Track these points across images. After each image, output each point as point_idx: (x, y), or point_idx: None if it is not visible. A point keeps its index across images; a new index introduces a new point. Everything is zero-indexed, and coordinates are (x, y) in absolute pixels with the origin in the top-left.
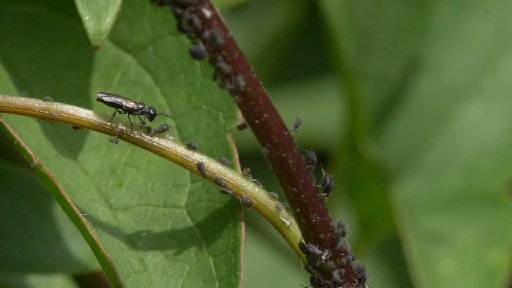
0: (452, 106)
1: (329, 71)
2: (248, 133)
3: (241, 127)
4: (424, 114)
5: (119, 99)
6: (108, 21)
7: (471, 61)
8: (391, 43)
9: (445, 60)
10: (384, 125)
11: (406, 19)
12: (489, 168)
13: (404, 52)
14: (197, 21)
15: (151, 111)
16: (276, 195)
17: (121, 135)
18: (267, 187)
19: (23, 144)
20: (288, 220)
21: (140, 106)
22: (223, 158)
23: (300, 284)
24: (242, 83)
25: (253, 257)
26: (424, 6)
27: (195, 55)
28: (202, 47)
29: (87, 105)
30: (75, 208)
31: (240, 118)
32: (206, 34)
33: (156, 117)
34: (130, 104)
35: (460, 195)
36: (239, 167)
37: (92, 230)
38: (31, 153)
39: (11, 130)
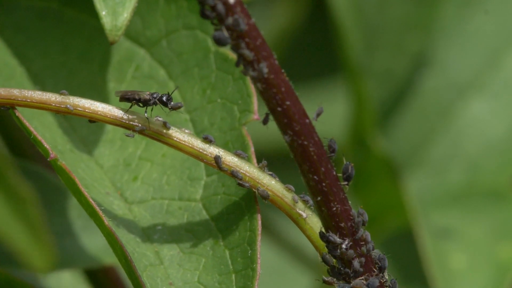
0: (457, 102)
1: (335, 69)
2: (262, 128)
3: (265, 121)
4: (430, 110)
5: (133, 94)
6: (125, 16)
7: (476, 57)
8: (397, 40)
9: (450, 57)
10: (390, 121)
11: (412, 16)
12: (494, 164)
13: (410, 48)
14: (220, 7)
15: (164, 98)
16: (292, 187)
17: (140, 130)
18: (283, 181)
19: (39, 138)
20: (305, 212)
21: (155, 95)
22: (239, 151)
23: (316, 280)
24: (265, 70)
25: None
26: (429, 3)
27: (219, 41)
28: (225, 33)
29: (101, 99)
30: (92, 202)
31: (256, 111)
32: (230, 20)
33: (170, 113)
34: (145, 95)
35: (465, 191)
36: (254, 160)
37: (109, 224)
38: (47, 147)
39: (27, 124)
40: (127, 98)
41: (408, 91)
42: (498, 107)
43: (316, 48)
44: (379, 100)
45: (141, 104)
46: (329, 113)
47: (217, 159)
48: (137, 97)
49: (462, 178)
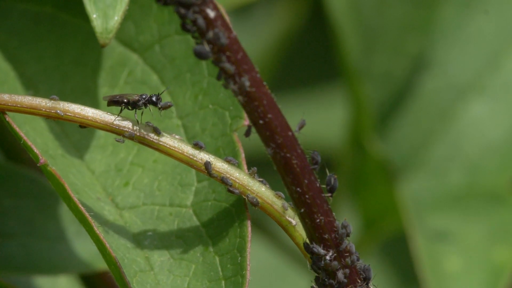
0: (457, 104)
1: (334, 72)
2: (253, 134)
3: (247, 133)
4: (429, 112)
5: (122, 97)
6: (116, 19)
7: (476, 59)
8: (396, 42)
9: (450, 58)
10: (389, 123)
11: (411, 17)
12: (493, 166)
13: (409, 50)
14: (201, 21)
15: (153, 98)
16: (282, 194)
17: (129, 136)
18: (273, 188)
19: (29, 143)
20: (294, 220)
21: (144, 96)
22: (230, 157)
23: (311, 286)
24: (247, 83)
25: (257, 256)
26: (429, 4)
27: (200, 55)
28: (206, 47)
29: (94, 104)
30: (82, 207)
31: (247, 118)
32: (210, 34)
33: (162, 118)
34: (133, 97)
35: (464, 193)
36: (245, 167)
37: (98, 229)
38: (37, 152)
39: (17, 129)
40: (115, 101)
41: (408, 93)
42: (498, 109)
43: (315, 51)
44: (378, 103)
45: (130, 107)
46: (328, 116)
47: (207, 165)
48: (125, 100)
49: (462, 179)
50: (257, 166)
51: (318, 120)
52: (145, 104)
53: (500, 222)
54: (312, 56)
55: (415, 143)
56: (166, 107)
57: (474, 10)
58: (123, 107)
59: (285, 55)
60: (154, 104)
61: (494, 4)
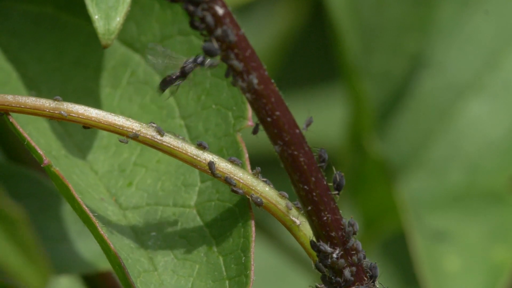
0: (456, 103)
1: (333, 72)
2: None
3: (255, 131)
4: (428, 111)
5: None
6: (118, 20)
7: (475, 58)
8: (395, 41)
9: (448, 58)
10: (388, 122)
11: (409, 16)
12: (493, 165)
13: (408, 49)
14: (209, 18)
15: (199, 59)
16: (286, 194)
17: (133, 136)
18: (277, 187)
19: (33, 144)
20: (298, 219)
21: (190, 59)
22: (233, 157)
23: (310, 286)
24: (255, 80)
25: (259, 257)
26: (427, 3)
27: (209, 52)
28: (215, 44)
29: (95, 104)
30: (86, 208)
31: (250, 118)
32: (219, 31)
33: (165, 118)
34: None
35: (464, 193)
36: (249, 167)
37: (102, 230)
38: (41, 153)
39: (21, 130)
40: (169, 81)
41: (407, 93)
42: (497, 108)
43: (315, 51)
44: (378, 102)
45: (183, 77)
46: (327, 116)
47: (210, 165)
48: (178, 73)
49: (461, 179)
50: (260, 165)
51: (317, 120)
52: (196, 66)
53: (500, 221)
54: (312, 55)
55: (415, 142)
56: (213, 65)
57: (472, 9)
58: (178, 80)
59: (285, 55)
60: (201, 63)
61: (493, 4)
